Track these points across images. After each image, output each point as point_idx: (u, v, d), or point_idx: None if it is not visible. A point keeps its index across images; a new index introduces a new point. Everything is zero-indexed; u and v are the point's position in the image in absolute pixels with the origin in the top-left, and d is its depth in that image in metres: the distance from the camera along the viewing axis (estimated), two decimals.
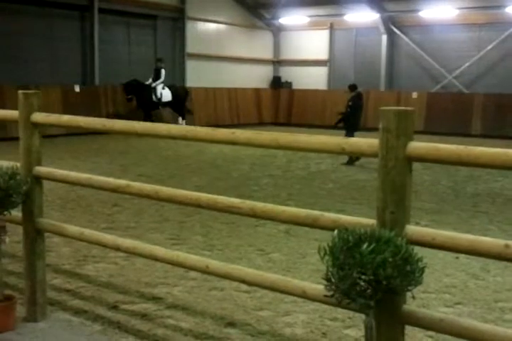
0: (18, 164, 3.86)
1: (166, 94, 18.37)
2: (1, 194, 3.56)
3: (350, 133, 12.33)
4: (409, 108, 2.53)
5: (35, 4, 16.98)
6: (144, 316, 4.18)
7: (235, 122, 22.37)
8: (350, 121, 12.84)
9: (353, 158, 12.24)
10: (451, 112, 20.30)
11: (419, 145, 2.44)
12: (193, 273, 4.90)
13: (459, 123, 20.12)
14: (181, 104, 18.85)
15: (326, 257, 2.34)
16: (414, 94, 21.19)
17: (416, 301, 2.51)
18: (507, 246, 2.24)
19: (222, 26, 23.30)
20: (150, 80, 18.17)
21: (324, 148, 2.73)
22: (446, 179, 10.94)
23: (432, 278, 4.96)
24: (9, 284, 4.46)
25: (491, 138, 17.87)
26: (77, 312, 4.21)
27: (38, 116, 3.80)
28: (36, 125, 3.82)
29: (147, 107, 17.87)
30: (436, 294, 4.75)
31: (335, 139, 2.68)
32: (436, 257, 5.32)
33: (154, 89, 18.10)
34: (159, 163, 12.23)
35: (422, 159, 2.50)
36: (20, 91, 3.86)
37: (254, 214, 2.92)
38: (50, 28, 17.54)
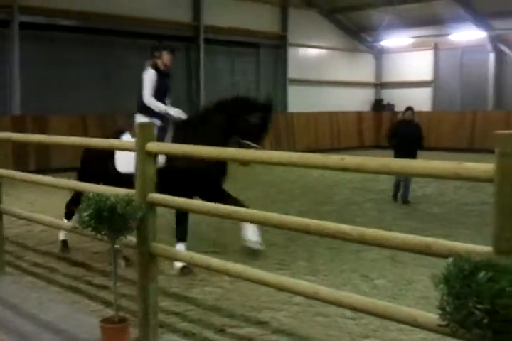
0: (134, 191, 4.04)
1: None
2: (118, 219, 3.74)
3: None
4: None
5: (143, 37, 17.86)
6: (250, 340, 4.21)
7: (336, 146, 22.32)
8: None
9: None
10: None
11: None
12: (297, 298, 4.90)
13: None
14: None
15: (441, 285, 2.28)
16: None
17: None
18: None
19: (323, 51, 23.49)
20: None
21: (439, 174, 2.67)
22: None
23: None
24: (122, 306, 4.63)
25: None
26: (186, 334, 4.31)
27: (153, 146, 3.98)
28: (151, 154, 4.00)
29: None
30: None
31: (450, 164, 2.62)
32: None
33: None
34: (260, 189, 12.36)
35: None
36: (137, 123, 4.05)
37: (363, 241, 2.89)
38: None
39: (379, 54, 25.46)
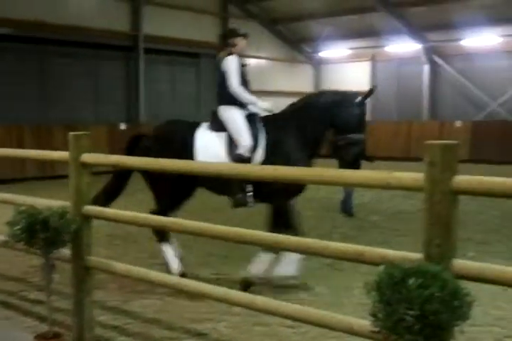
0: (68, 203, 3.96)
1: None
2: (51, 233, 3.65)
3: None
4: (453, 141, 2.52)
5: (83, 46, 17.58)
6: None
7: None
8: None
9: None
10: (497, 140, 19.91)
11: (464, 179, 2.42)
12: (237, 309, 4.88)
13: (505, 150, 19.73)
14: None
15: (373, 292, 2.32)
16: (458, 123, 20.97)
17: (464, 335, 2.44)
18: None
19: (263, 61, 23.65)
20: None
21: (370, 183, 2.72)
22: (493, 208, 10.70)
23: (480, 311, 4.75)
24: (57, 321, 4.50)
25: None
26: None
27: (88, 157, 3.91)
28: (86, 165, 3.92)
29: None
30: (484, 327, 4.61)
31: (380, 174, 2.68)
32: (483, 288, 5.15)
33: None
34: (200, 199, 12.26)
35: (468, 192, 2.47)
36: (70, 133, 3.96)
37: (299, 250, 2.92)
38: (97, 68, 18.10)
39: (318, 65, 25.84)
